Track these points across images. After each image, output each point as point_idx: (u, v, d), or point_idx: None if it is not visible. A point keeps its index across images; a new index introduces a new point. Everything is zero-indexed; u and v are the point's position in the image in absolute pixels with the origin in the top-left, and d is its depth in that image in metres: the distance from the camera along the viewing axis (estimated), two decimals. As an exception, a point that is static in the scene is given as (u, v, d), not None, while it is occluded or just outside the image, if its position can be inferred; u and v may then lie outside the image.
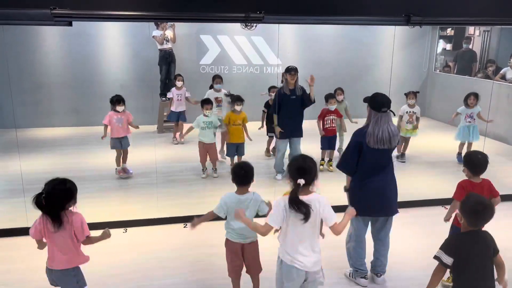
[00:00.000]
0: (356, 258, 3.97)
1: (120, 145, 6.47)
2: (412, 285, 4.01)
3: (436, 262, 2.89)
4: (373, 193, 3.72)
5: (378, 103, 3.63)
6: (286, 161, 6.55)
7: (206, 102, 6.54)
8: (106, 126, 6.36)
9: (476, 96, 7.24)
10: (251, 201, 3.46)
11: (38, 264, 4.22)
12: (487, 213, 2.81)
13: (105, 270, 4.04)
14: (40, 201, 2.93)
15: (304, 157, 3.01)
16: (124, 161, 6.62)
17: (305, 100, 6.13)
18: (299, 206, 2.85)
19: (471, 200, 2.88)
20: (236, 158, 6.83)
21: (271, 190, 5.56)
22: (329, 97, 6.84)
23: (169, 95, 8.51)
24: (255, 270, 3.64)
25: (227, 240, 3.59)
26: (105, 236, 3.19)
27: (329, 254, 3.86)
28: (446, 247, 2.85)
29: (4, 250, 4.57)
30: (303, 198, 2.88)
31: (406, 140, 7.54)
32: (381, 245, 4.00)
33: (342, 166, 3.88)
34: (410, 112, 7.39)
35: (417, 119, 7.41)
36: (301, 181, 2.86)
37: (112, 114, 6.36)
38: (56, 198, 2.95)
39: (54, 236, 2.98)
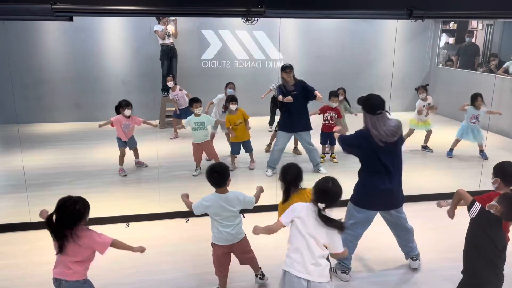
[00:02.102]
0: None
1: (125, 144, 6.51)
2: (414, 278, 4.01)
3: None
4: (382, 193, 3.70)
5: (373, 106, 3.57)
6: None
7: (194, 101, 6.35)
8: (111, 122, 6.37)
9: (482, 97, 7.14)
10: (233, 199, 3.46)
11: (40, 259, 4.26)
12: None
13: (107, 265, 4.05)
14: (50, 221, 2.91)
15: (333, 181, 3.00)
16: (136, 156, 6.75)
17: (307, 94, 6.16)
18: (327, 220, 2.88)
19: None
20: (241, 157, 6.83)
21: (272, 185, 5.57)
22: (332, 95, 6.90)
23: (170, 95, 8.57)
24: (249, 261, 3.73)
25: (213, 244, 3.59)
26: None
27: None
28: (482, 210, 2.97)
29: (6, 245, 4.59)
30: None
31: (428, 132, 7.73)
32: (405, 232, 4.01)
33: (342, 143, 3.84)
34: (426, 105, 7.52)
35: (430, 108, 7.49)
36: (321, 205, 2.88)
37: (121, 118, 6.38)
38: (64, 220, 2.91)
39: (65, 249, 2.95)
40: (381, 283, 3.96)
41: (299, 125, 6.27)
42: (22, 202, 5.21)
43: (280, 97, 6.10)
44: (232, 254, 3.65)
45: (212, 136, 7.16)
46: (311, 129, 6.41)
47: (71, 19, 4.55)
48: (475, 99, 7.15)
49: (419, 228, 4.86)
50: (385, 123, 3.57)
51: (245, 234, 3.64)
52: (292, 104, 6.13)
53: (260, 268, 3.86)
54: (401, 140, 3.71)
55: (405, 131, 7.55)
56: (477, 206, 2.98)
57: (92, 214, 5.06)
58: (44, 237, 4.68)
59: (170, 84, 8.46)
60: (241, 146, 6.73)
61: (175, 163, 6.99)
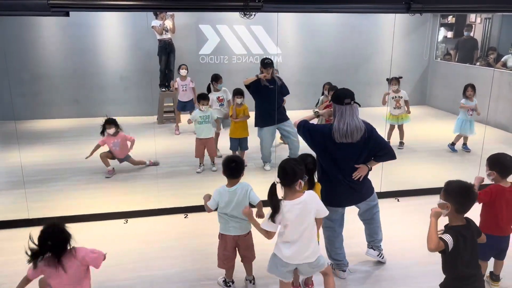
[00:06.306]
0: (332, 249, 3.89)
1: (120, 161, 6.46)
2: (412, 272, 4.01)
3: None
4: (344, 189, 3.69)
5: (340, 96, 3.58)
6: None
7: (202, 98, 6.37)
8: (98, 146, 6.24)
9: (473, 87, 7.10)
10: (241, 191, 3.50)
11: (39, 255, 4.25)
12: (473, 195, 2.84)
13: (106, 261, 4.05)
14: (45, 252, 2.81)
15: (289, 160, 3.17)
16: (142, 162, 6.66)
17: (283, 89, 6.38)
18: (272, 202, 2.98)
19: (455, 186, 2.85)
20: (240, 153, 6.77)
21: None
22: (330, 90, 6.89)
23: (175, 85, 8.54)
24: (249, 259, 3.72)
25: (221, 234, 3.63)
26: None
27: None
28: (453, 234, 2.86)
29: (5, 241, 4.58)
30: (292, 201, 3.00)
31: (400, 128, 7.51)
32: (372, 222, 3.98)
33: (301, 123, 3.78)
34: (396, 97, 7.33)
35: (406, 102, 7.35)
36: (276, 180, 2.99)
37: (106, 139, 6.24)
38: (60, 247, 2.82)
39: (63, 275, 2.85)
40: (377, 277, 3.97)
41: (278, 117, 6.34)
42: (20, 199, 5.20)
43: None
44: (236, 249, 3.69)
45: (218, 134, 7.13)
46: (288, 119, 6.47)
47: (67, 14, 4.53)
48: (466, 89, 7.13)
49: (414, 222, 4.89)
50: (353, 116, 3.53)
51: (251, 230, 3.64)
52: (269, 100, 6.22)
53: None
54: (367, 144, 3.62)
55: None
56: (447, 239, 2.87)
57: (91, 210, 5.07)
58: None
59: (183, 72, 8.42)
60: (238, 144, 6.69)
61: (174, 158, 6.98)
